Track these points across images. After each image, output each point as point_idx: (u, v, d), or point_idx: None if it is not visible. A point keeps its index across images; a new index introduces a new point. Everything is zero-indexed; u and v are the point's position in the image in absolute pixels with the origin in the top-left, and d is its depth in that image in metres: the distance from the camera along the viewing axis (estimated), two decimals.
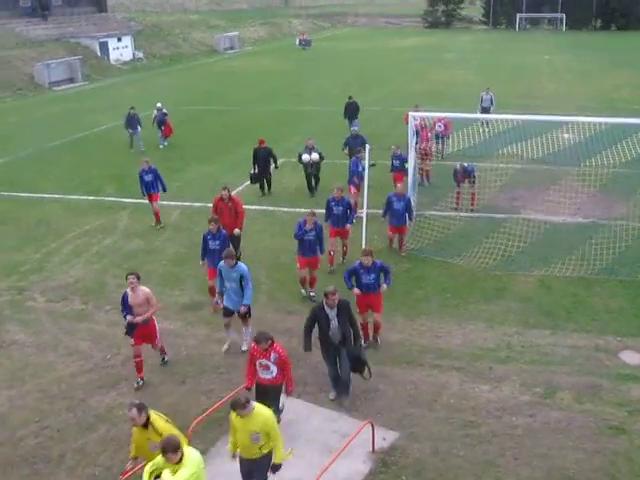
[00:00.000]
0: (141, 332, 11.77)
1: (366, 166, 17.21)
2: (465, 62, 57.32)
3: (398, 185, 17.12)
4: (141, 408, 8.06)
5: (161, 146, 29.08)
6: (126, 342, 12.96)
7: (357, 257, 13.70)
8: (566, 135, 21.30)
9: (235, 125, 33.68)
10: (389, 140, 25.95)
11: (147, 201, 19.86)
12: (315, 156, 21.36)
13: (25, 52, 52.02)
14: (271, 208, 20.64)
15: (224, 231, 14.46)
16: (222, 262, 12.55)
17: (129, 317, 11.60)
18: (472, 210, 19.44)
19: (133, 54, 61.88)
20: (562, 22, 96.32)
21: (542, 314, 13.96)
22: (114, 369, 12.44)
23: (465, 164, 19.54)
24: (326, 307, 10.93)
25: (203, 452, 9.84)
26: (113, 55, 59.25)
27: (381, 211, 17.44)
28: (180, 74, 56.21)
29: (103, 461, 9.93)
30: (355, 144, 21.45)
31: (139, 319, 11.58)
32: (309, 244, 14.63)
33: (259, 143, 21.76)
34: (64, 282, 16.20)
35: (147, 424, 8.03)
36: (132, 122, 28.23)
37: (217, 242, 14.18)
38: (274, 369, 9.86)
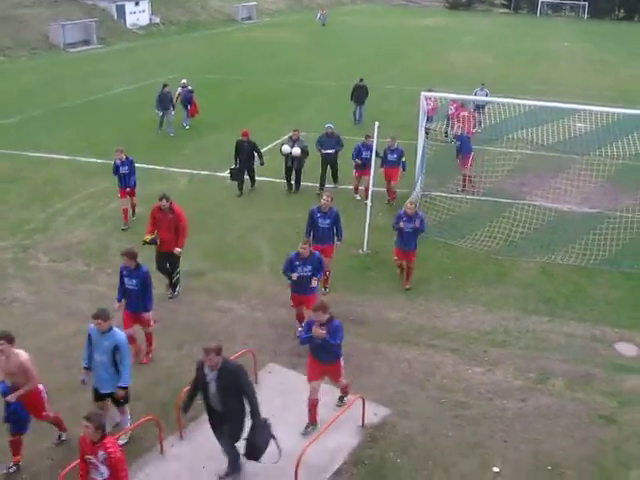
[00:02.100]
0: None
1: (374, 145, 17.03)
2: (484, 45, 56.80)
3: (409, 205, 13.97)
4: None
5: (186, 126, 27.00)
6: None
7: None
8: (579, 124, 21.12)
9: (250, 95, 33.56)
10: (399, 118, 25.97)
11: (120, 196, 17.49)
12: (297, 150, 19.13)
13: (41, 11, 51.78)
14: (278, 180, 20.57)
15: (144, 268, 11.30)
16: (92, 324, 9.44)
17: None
18: (473, 193, 19.36)
19: (150, 19, 61.46)
20: (584, 10, 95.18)
21: (541, 301, 13.98)
22: None
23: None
24: (205, 366, 8.50)
25: (191, 419, 9.99)
26: (130, 19, 58.90)
27: (385, 189, 18.04)
28: (197, 42, 55.89)
29: None
30: (329, 144, 19.47)
31: (11, 398, 8.95)
32: (302, 280, 11.88)
33: (242, 135, 19.38)
34: (68, 243, 16.31)
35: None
36: (164, 101, 25.61)
37: (134, 281, 11.18)
38: (104, 471, 7.37)
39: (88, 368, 9.57)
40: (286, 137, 20.74)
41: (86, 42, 51.05)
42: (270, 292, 14.14)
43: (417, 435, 9.89)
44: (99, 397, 9.62)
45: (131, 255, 11.18)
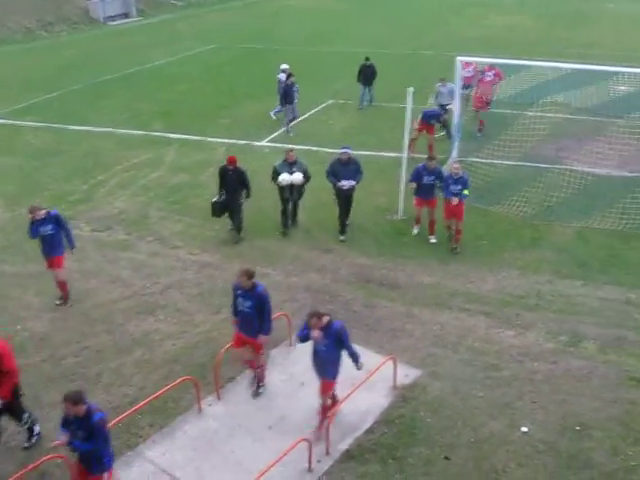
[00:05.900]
0: None
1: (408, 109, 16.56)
2: (524, 7, 55.54)
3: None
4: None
5: (274, 117, 23.95)
6: (165, 271, 13.56)
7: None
8: (622, 87, 20.72)
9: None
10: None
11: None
12: (298, 177, 15.24)
13: None
14: (315, 148, 20.65)
15: None
16: None
17: None
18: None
19: None
20: None
21: (576, 265, 13.96)
22: (152, 297, 12.95)
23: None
24: None
25: (227, 380, 10.36)
26: None
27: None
28: (235, 12, 55.63)
29: (137, 382, 10.45)
30: (346, 174, 14.98)
31: None
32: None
33: (228, 162, 15.23)
34: (109, 213, 16.76)
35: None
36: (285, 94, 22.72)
37: None
38: None
39: None
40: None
41: (125, 15, 51.28)
42: (305, 258, 14.40)
43: (447, 396, 10.09)
44: None
45: None
